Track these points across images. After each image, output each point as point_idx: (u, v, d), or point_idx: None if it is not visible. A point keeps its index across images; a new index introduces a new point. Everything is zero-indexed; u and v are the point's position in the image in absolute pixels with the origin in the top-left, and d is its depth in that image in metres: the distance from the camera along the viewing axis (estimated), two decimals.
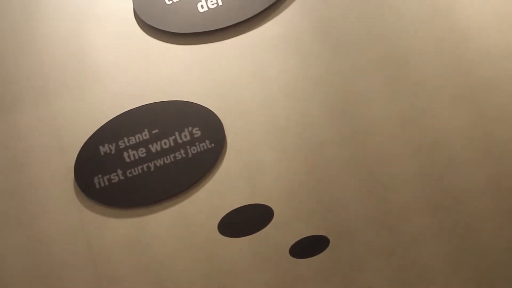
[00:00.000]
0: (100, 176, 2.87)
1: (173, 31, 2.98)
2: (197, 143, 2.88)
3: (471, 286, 2.75)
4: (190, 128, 2.89)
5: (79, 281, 2.86)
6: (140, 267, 2.86)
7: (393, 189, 2.84)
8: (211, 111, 2.92)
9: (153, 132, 2.90)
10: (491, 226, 2.77)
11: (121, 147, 2.90)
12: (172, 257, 2.85)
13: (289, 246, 2.83)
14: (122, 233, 2.87)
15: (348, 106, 2.90)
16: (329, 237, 2.83)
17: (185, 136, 2.89)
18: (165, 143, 2.89)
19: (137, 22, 3.05)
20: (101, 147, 2.91)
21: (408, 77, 2.93)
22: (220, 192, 2.87)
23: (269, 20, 3.02)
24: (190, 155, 2.88)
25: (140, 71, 3.00)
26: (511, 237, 2.76)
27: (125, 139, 2.90)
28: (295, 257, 2.83)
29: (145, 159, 2.89)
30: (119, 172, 2.88)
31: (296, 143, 2.89)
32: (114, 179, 2.88)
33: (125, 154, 2.89)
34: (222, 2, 2.99)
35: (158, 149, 2.89)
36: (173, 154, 2.89)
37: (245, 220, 2.84)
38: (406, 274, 2.78)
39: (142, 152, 2.89)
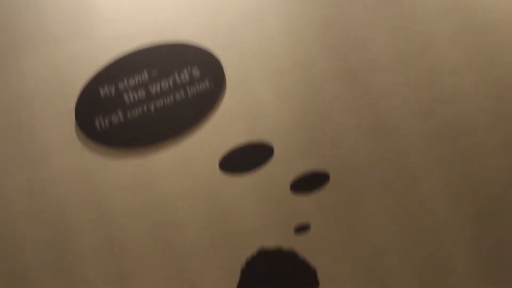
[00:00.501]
0: (101, 117, 2.89)
1: None
2: (196, 83, 2.90)
3: (471, 214, 2.76)
4: (189, 69, 2.91)
5: (83, 221, 2.88)
6: (142, 206, 2.87)
7: (394, 124, 2.85)
8: (210, 51, 2.93)
9: (152, 73, 2.92)
10: (494, 156, 2.78)
11: (120, 88, 2.91)
12: (175, 195, 2.87)
13: (290, 182, 2.84)
14: (124, 174, 2.89)
15: (348, 45, 2.91)
16: (329, 172, 2.84)
17: (184, 76, 2.91)
18: (164, 84, 2.91)
19: None
20: (101, 89, 2.92)
21: (411, 14, 2.93)
22: (221, 131, 2.88)
23: None
24: (189, 96, 2.89)
25: (139, 14, 3.02)
26: None
27: (125, 81, 2.91)
28: (296, 193, 2.84)
29: (145, 100, 2.90)
30: (120, 113, 2.89)
31: (295, 82, 2.90)
32: (115, 120, 2.89)
33: (125, 96, 2.91)
34: None
35: (158, 90, 2.91)
36: (172, 95, 2.90)
37: (246, 158, 2.86)
38: (406, 207, 2.79)
39: (142, 93, 2.91)
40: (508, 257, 2.75)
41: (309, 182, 2.85)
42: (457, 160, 2.81)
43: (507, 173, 2.77)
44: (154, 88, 2.91)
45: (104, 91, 2.91)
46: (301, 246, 2.84)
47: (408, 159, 2.83)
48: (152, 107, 2.90)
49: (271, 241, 2.85)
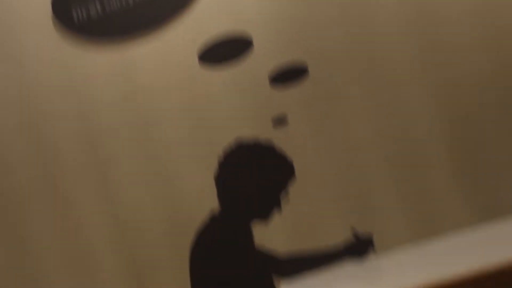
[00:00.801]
0: (78, 8, 2.87)
1: None
2: None
3: (449, 112, 2.79)
4: None
5: (61, 113, 2.87)
6: (121, 99, 2.87)
7: (377, 18, 2.87)
8: None
9: None
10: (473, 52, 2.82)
11: None
12: (153, 87, 2.87)
13: (269, 75, 2.85)
14: (103, 66, 2.88)
15: None
16: (308, 66, 2.85)
17: None
18: None
19: None
20: None
21: None
22: (200, 24, 2.88)
23: None
24: None
25: None
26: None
27: None
28: (274, 86, 2.84)
29: None
30: (97, 5, 2.87)
31: None
32: (93, 12, 2.87)
33: None
34: None
35: None
36: None
37: (225, 50, 2.86)
38: (384, 102, 2.82)
39: None
40: (483, 155, 2.80)
41: (288, 75, 2.85)
42: (437, 59, 2.84)
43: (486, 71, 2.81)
44: None
45: None
46: (278, 138, 2.84)
47: (388, 54, 2.86)
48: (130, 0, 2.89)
49: (248, 134, 2.85)
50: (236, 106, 2.83)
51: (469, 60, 2.80)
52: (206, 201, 2.81)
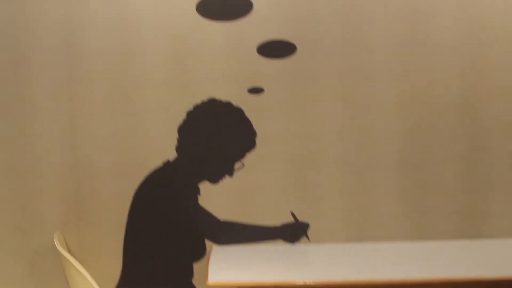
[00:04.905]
0: None
1: None
2: None
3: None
4: None
5: (47, 22, 2.84)
6: (109, 23, 2.85)
7: (369, 19, 2.88)
8: None
9: None
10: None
11: None
12: (146, 20, 2.85)
13: (259, 43, 2.86)
14: None
15: None
16: (297, 46, 2.87)
17: None
18: None
19: None
20: None
21: None
22: None
23: None
24: None
25: None
26: None
27: None
28: (261, 55, 2.86)
29: None
30: None
31: None
32: None
33: None
34: None
35: None
36: None
37: (224, 6, 2.85)
38: (354, 98, 2.87)
39: None
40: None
41: (276, 49, 2.87)
42: (414, 75, 2.89)
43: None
44: None
45: None
46: (250, 106, 2.89)
47: (372, 59, 2.89)
48: None
49: (223, 94, 2.88)
50: (219, 65, 2.85)
51: (445, 88, 2.87)
52: (165, 149, 2.86)
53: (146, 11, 2.85)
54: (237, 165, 2.86)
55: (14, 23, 2.84)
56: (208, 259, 2.68)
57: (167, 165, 2.86)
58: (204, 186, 2.88)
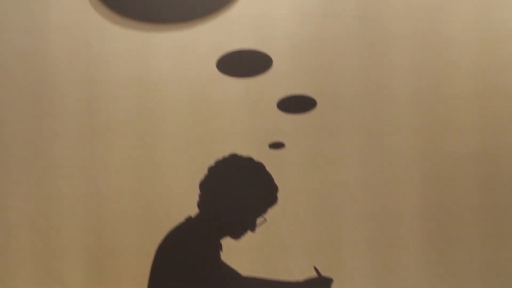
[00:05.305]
0: None
1: None
2: None
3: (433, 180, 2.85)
4: None
5: (69, 77, 2.88)
6: (131, 79, 2.88)
7: (390, 76, 2.91)
8: None
9: None
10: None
11: None
12: (166, 77, 2.89)
13: (279, 98, 2.88)
14: (122, 42, 2.89)
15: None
16: (318, 100, 2.89)
17: None
18: None
19: None
20: None
21: None
22: (227, 31, 2.90)
23: None
24: None
25: None
26: None
27: None
28: (281, 110, 2.88)
29: None
30: None
31: (313, 6, 2.92)
32: None
33: None
34: None
35: None
36: None
37: (244, 63, 2.88)
38: (378, 153, 2.87)
39: None
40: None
41: (296, 104, 2.89)
42: (436, 126, 2.90)
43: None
44: None
45: None
46: (271, 162, 2.89)
47: (394, 114, 2.90)
48: None
49: (244, 150, 2.89)
50: (240, 121, 2.86)
51: (465, 140, 2.86)
52: (186, 205, 2.85)
53: (167, 69, 2.89)
54: (259, 220, 2.85)
55: (37, 80, 2.88)
56: None
57: (189, 221, 2.85)
58: (226, 242, 2.87)
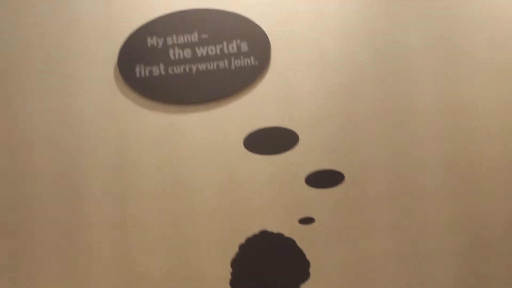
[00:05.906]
0: (142, 65, 2.94)
1: None
2: (242, 57, 2.95)
3: (466, 246, 2.84)
4: (238, 41, 2.96)
5: (98, 161, 2.94)
6: (160, 161, 2.94)
7: (415, 143, 2.92)
8: (264, 31, 2.98)
9: (203, 36, 2.97)
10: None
11: (168, 43, 2.96)
12: (194, 158, 2.93)
13: (306, 174, 2.91)
14: (150, 125, 2.95)
15: (393, 55, 2.97)
16: (345, 174, 2.91)
17: (233, 47, 2.96)
18: (211, 50, 2.96)
19: None
20: (149, 39, 2.97)
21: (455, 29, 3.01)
22: (253, 109, 2.94)
23: None
24: (233, 67, 2.95)
25: None
26: None
27: (174, 37, 2.96)
28: (309, 186, 2.91)
29: (190, 61, 2.95)
30: (162, 66, 2.94)
31: (338, 81, 2.96)
32: (155, 72, 2.94)
33: (171, 51, 2.96)
34: None
35: (204, 54, 2.96)
36: (217, 62, 2.96)
37: (270, 140, 2.92)
38: (408, 226, 2.87)
39: (188, 53, 2.96)
40: None
41: (324, 178, 2.92)
42: (465, 191, 2.89)
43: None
44: (201, 51, 2.96)
45: (151, 41, 2.96)
46: (302, 237, 2.91)
47: (421, 179, 2.91)
48: (194, 69, 2.95)
49: (274, 226, 2.92)
50: (268, 197, 2.90)
51: (493, 202, 2.86)
52: (219, 284, 2.88)
53: (196, 148, 2.94)
54: None
55: (69, 164, 2.95)
56: None
57: None
58: None
